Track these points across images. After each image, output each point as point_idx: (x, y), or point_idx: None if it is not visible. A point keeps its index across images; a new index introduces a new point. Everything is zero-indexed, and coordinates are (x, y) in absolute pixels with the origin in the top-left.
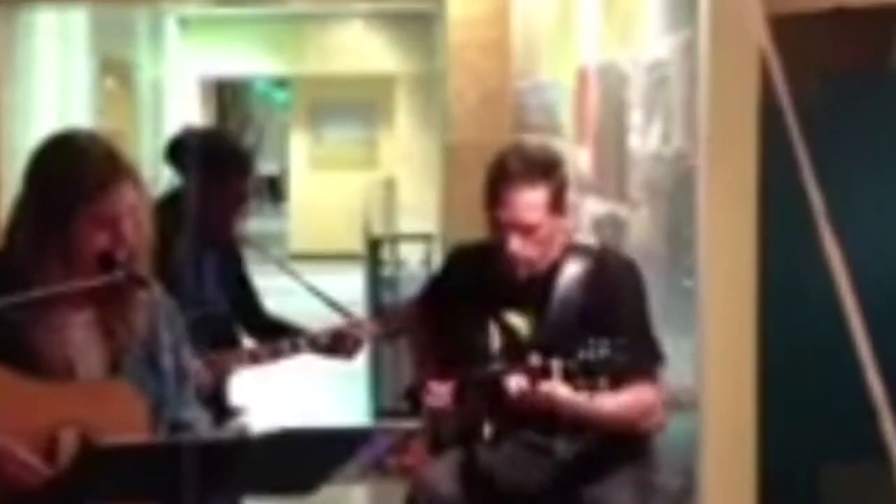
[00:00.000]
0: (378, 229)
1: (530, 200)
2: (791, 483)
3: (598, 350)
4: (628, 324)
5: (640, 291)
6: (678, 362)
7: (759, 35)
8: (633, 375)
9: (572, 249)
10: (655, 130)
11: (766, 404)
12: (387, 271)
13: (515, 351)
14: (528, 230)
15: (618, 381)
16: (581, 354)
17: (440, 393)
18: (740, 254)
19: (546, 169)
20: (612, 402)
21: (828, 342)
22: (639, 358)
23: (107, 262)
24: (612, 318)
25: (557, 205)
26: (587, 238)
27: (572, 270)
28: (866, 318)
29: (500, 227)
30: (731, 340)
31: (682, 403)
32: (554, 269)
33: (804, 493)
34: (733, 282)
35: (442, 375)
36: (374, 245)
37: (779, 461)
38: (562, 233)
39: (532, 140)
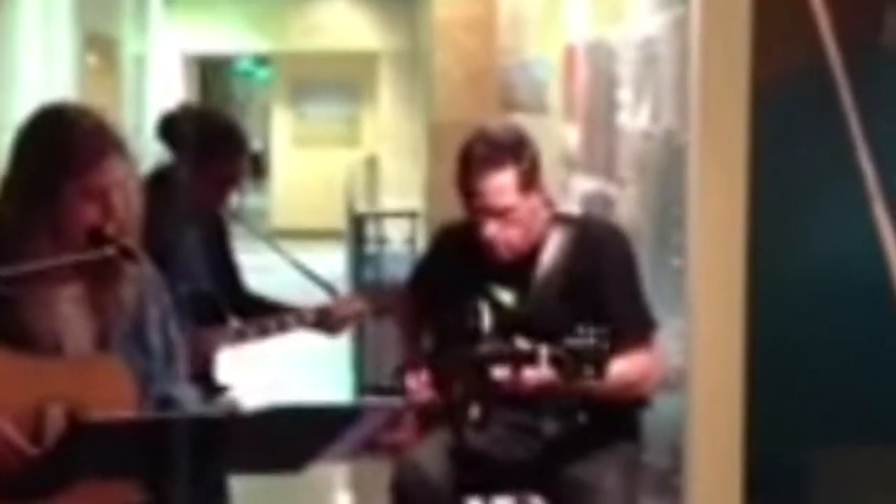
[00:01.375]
0: (361, 207)
1: (499, 184)
2: (778, 463)
3: (585, 338)
4: (616, 291)
5: (627, 257)
6: (666, 342)
7: None
8: (624, 344)
9: (556, 221)
10: (645, 108)
11: (754, 384)
12: (370, 249)
13: (504, 329)
14: (501, 213)
15: (603, 369)
16: (569, 342)
17: (418, 389)
18: (730, 232)
19: (513, 149)
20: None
21: (817, 322)
22: (630, 326)
23: (96, 235)
24: (599, 286)
25: (530, 183)
26: (569, 209)
27: (556, 241)
28: (854, 297)
29: (474, 212)
30: (720, 320)
31: (670, 383)
32: (539, 242)
33: (791, 473)
34: (723, 260)
35: (424, 364)
36: (357, 222)
37: (767, 442)
38: (544, 208)
39: (521, 119)
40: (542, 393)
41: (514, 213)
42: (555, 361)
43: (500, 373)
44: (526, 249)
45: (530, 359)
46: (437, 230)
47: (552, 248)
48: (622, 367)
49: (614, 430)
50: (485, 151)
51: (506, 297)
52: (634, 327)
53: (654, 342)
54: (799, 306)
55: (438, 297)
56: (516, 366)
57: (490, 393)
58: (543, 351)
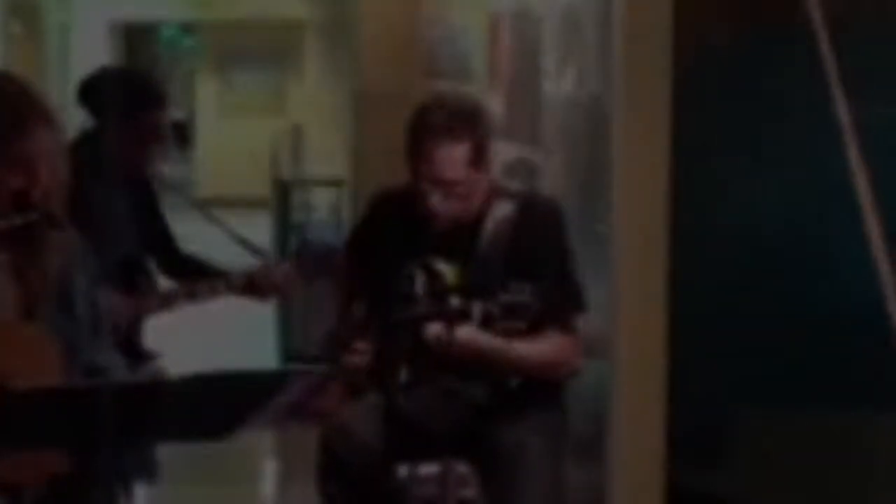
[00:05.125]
0: (286, 176)
1: (453, 156)
2: (701, 430)
3: (520, 294)
4: (552, 269)
5: (565, 236)
6: (590, 308)
7: None
8: (552, 322)
9: (497, 194)
10: (569, 75)
11: (677, 351)
12: (296, 217)
13: (440, 297)
14: (449, 186)
15: (536, 326)
16: (503, 298)
17: (362, 350)
18: (653, 199)
19: (470, 121)
20: (528, 349)
21: (740, 287)
22: (559, 303)
23: (20, 201)
24: (536, 263)
25: (480, 158)
26: (510, 182)
27: (498, 216)
28: (772, 264)
29: (420, 180)
30: (643, 286)
31: (593, 350)
32: (480, 215)
33: (714, 439)
34: (646, 227)
35: (363, 327)
36: (283, 191)
37: (690, 408)
38: (484, 181)
39: (446, 87)
40: (470, 354)
41: (461, 186)
42: (487, 319)
43: (433, 329)
44: (466, 221)
45: (463, 315)
46: (374, 194)
47: (494, 222)
48: (543, 347)
49: (541, 397)
50: (442, 119)
51: (443, 267)
52: (562, 307)
53: (578, 328)
54: (722, 272)
55: (373, 261)
56: (449, 323)
57: (420, 355)
58: (477, 307)
